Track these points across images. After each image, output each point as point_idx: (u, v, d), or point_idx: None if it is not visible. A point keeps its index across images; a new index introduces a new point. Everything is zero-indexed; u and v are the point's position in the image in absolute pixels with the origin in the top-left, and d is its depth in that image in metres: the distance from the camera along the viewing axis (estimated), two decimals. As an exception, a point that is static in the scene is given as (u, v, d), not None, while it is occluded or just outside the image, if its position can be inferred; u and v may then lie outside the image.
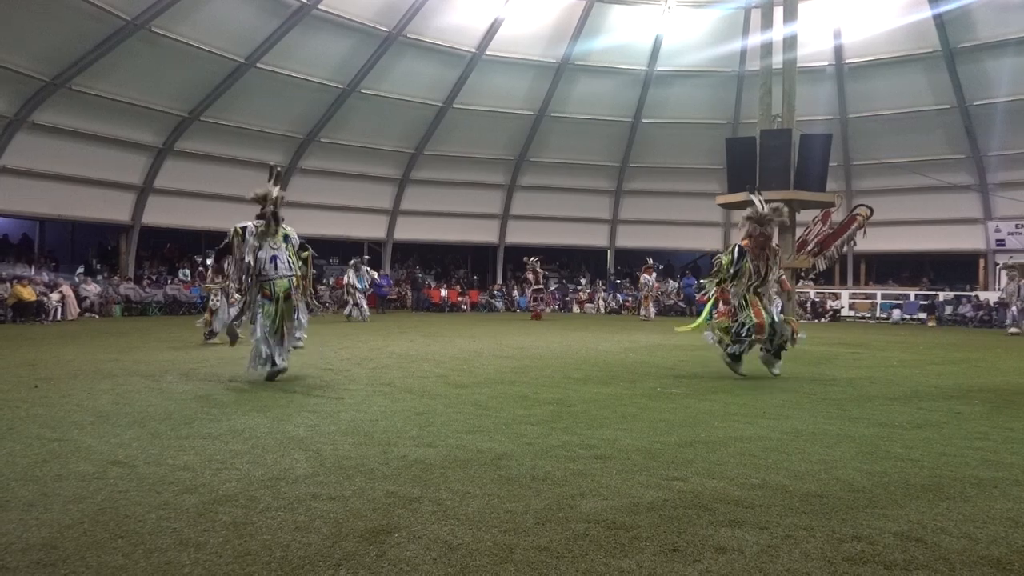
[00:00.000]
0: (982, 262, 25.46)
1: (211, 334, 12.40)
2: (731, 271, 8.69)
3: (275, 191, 7.86)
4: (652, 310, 23.41)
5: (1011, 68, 21.91)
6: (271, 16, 20.15)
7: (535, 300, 22.27)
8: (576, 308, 28.25)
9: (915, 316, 24.13)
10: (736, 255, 8.69)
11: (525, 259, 22.98)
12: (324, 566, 2.77)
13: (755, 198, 8.99)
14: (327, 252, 30.21)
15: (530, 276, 22.43)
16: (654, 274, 23.99)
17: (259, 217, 7.83)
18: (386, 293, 25.30)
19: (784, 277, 9.37)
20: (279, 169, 8.28)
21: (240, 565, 2.77)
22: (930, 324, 22.83)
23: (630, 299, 27.51)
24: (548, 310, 23.36)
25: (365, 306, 19.95)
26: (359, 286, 19.90)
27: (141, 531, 3.10)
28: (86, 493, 3.61)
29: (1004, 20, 20.99)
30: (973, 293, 24.50)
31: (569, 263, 33.24)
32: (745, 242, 8.75)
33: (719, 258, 8.98)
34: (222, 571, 2.72)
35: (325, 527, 3.17)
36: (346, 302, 20.14)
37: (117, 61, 19.02)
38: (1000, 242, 24.48)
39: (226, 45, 20.27)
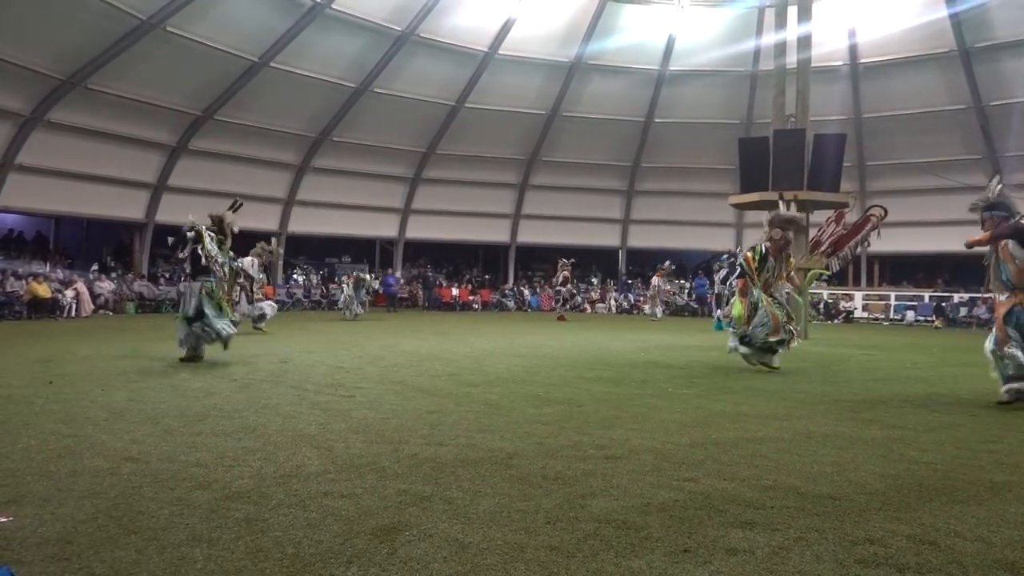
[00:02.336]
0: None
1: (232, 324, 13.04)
2: (756, 268, 9.02)
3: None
4: (659, 310, 23.42)
5: (1029, 68, 21.69)
6: (284, 15, 20.25)
7: (561, 301, 22.47)
8: (587, 308, 28.23)
9: (929, 318, 23.94)
10: (763, 253, 8.96)
11: (563, 261, 22.90)
12: (335, 563, 2.78)
13: (782, 204, 9.38)
14: (339, 251, 30.38)
15: (566, 274, 22.54)
16: (664, 277, 24.00)
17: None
18: (395, 292, 25.37)
19: (793, 274, 9.72)
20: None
21: (252, 561, 2.78)
22: (936, 326, 22.61)
23: (641, 299, 27.52)
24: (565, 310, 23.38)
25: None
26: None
27: (154, 527, 3.12)
28: (100, 489, 3.64)
29: (1022, 19, 20.77)
30: (988, 295, 24.25)
31: (580, 263, 33.21)
32: (768, 244, 9.01)
33: (746, 253, 9.28)
34: (234, 567, 2.73)
35: (336, 524, 3.19)
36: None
37: (132, 60, 19.16)
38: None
39: (240, 44, 20.38)
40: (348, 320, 19.01)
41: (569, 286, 22.90)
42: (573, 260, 23.51)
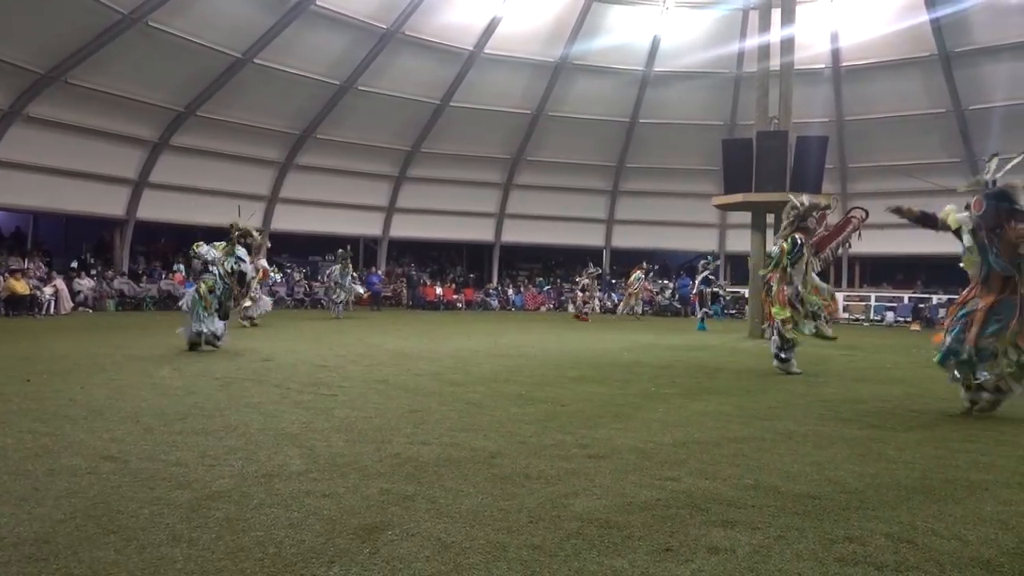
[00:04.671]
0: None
1: (250, 319, 15.40)
2: (790, 259, 9.12)
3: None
4: (639, 308, 23.57)
5: (1008, 73, 21.97)
6: (269, 11, 20.10)
7: (582, 301, 22.44)
8: (571, 308, 28.25)
9: (908, 319, 24.23)
10: (798, 244, 9.12)
11: (588, 271, 23.20)
12: (317, 563, 2.77)
13: (794, 198, 9.44)
14: (322, 249, 30.20)
15: (587, 282, 22.74)
16: (640, 272, 24.08)
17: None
18: (379, 290, 25.29)
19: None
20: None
21: (233, 561, 2.76)
22: (913, 328, 22.84)
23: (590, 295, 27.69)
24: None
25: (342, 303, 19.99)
26: (341, 282, 19.96)
27: (133, 526, 3.09)
28: (78, 488, 3.60)
29: (1001, 25, 21.04)
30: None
31: (565, 263, 33.27)
32: (800, 235, 9.23)
33: (782, 245, 9.24)
34: (214, 567, 2.71)
35: (318, 524, 3.17)
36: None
37: (113, 55, 18.93)
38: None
39: (223, 40, 20.20)
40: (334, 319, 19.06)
41: (587, 293, 23.01)
42: (599, 271, 23.96)
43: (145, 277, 22.63)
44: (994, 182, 6.23)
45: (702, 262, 20.25)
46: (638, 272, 23.70)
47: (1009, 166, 6.30)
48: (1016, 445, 5.11)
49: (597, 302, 27.96)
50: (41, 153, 19.88)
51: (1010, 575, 2.81)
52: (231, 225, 11.18)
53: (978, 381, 6.17)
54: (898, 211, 7.06)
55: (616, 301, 27.76)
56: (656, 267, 27.85)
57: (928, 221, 6.87)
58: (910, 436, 5.33)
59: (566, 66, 24.65)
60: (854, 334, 19.15)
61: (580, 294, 22.73)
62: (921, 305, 24.43)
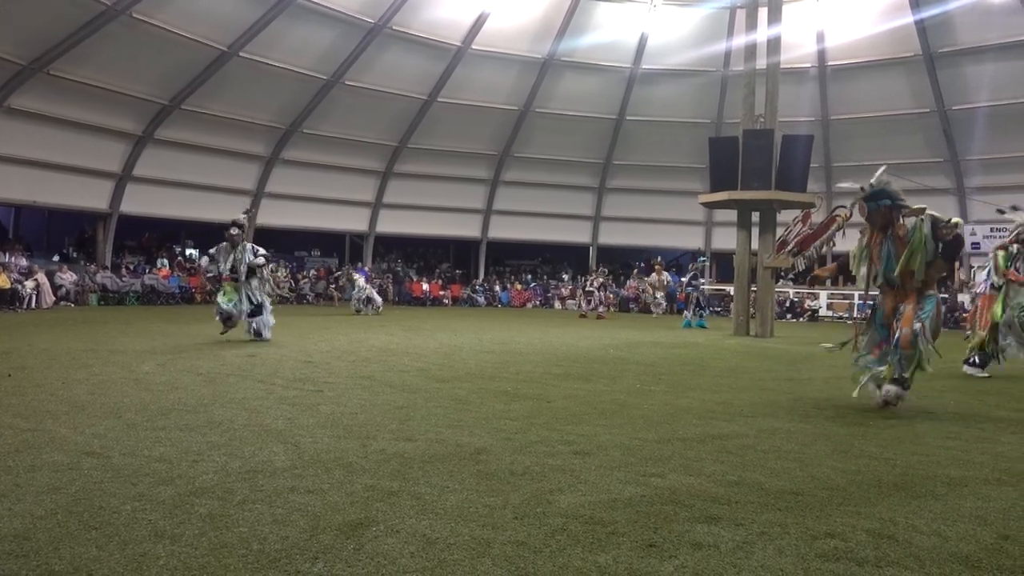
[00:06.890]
0: (958, 264, 25.77)
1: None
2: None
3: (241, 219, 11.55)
4: (663, 305, 23.37)
5: (991, 73, 22.22)
6: (255, 4, 19.97)
7: (598, 301, 22.24)
8: (558, 304, 28.31)
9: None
10: (1014, 254, 8.93)
11: (600, 269, 23.16)
12: (301, 559, 2.76)
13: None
14: (308, 244, 30.11)
15: (600, 279, 22.63)
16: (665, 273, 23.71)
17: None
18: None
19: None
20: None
21: (216, 557, 2.75)
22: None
23: (611, 295, 27.65)
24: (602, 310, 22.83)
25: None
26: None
27: (116, 522, 3.07)
28: (60, 484, 3.57)
29: (985, 26, 21.28)
30: (945, 295, 24.80)
31: (551, 259, 33.33)
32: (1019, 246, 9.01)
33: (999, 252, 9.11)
34: (197, 563, 2.70)
35: (303, 520, 3.16)
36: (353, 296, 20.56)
37: (97, 46, 18.75)
38: (975, 245, 24.83)
39: (209, 33, 20.06)
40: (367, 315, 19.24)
41: (603, 292, 22.90)
42: (607, 271, 23.97)
43: (127, 272, 22.44)
44: (870, 185, 6.25)
45: (692, 264, 20.23)
46: (654, 275, 23.39)
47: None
48: (995, 442, 5.17)
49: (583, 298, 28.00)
50: (23, 146, 19.68)
51: (988, 570, 2.84)
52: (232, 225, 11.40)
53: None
54: (815, 281, 7.14)
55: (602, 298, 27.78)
56: (641, 264, 27.90)
57: (843, 269, 6.94)
58: (891, 433, 5.38)
59: (554, 63, 24.67)
60: (838, 332, 19.30)
61: (598, 293, 22.60)
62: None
